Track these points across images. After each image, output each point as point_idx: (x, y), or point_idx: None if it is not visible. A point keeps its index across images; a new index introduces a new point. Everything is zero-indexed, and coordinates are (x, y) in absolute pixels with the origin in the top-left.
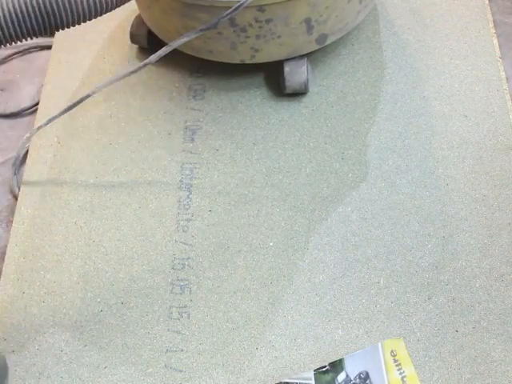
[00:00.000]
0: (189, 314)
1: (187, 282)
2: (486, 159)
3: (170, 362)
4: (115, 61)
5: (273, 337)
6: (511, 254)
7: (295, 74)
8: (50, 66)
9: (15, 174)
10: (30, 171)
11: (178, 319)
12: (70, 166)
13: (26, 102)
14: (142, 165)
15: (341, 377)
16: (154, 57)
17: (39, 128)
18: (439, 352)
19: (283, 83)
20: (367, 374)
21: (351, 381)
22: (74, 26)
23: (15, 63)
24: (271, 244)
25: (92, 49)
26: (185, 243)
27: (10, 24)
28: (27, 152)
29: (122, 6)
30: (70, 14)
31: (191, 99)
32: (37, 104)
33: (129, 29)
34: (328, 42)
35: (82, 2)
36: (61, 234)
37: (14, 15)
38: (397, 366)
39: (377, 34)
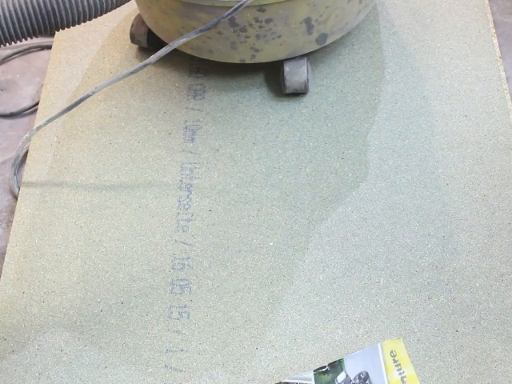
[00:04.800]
0: (189, 314)
1: (187, 282)
2: (486, 159)
3: (170, 362)
4: (115, 61)
5: (273, 337)
6: (511, 254)
7: (295, 74)
8: (49, 66)
9: (15, 174)
10: (29, 171)
11: (178, 319)
12: (70, 166)
13: (26, 102)
14: (142, 165)
15: (340, 377)
16: (153, 57)
17: (39, 128)
18: (439, 352)
19: (283, 83)
20: (367, 374)
21: (351, 381)
22: (74, 25)
23: (15, 63)
24: (271, 244)
25: (92, 49)
26: (185, 243)
27: (10, 23)
28: (27, 152)
29: (122, 6)
30: (70, 13)
31: (191, 99)
32: (37, 104)
33: (129, 29)
34: (328, 41)
35: (82, 2)
36: (61, 234)
37: (14, 15)
38: (396, 366)
39: (377, 34)
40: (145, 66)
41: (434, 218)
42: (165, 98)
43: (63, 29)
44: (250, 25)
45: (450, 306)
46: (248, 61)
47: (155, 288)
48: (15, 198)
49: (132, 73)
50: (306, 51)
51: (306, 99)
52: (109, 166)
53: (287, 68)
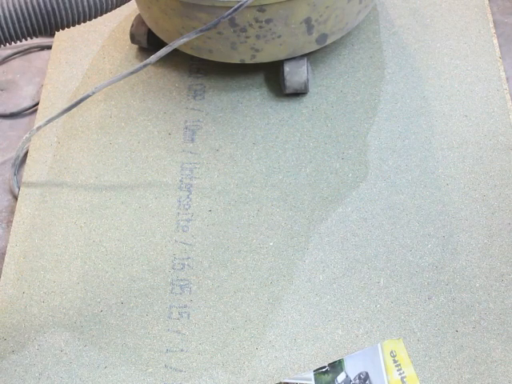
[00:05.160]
0: (189, 314)
1: (187, 282)
2: (486, 159)
3: (170, 362)
4: (115, 61)
5: (273, 337)
6: (511, 254)
7: (295, 74)
8: (49, 66)
9: (15, 174)
10: (29, 171)
11: (178, 319)
12: (70, 166)
13: (26, 102)
14: (142, 165)
15: (340, 377)
16: (153, 57)
17: (39, 128)
18: (439, 352)
19: (283, 83)
20: (367, 374)
21: (351, 381)
22: (74, 25)
23: (15, 63)
24: (271, 244)
25: (92, 49)
26: (185, 243)
27: (10, 23)
28: (27, 152)
29: (122, 6)
30: (70, 13)
31: (191, 99)
32: (37, 104)
33: (129, 29)
34: (328, 42)
35: (82, 2)
36: (61, 234)
37: (14, 15)
38: (396, 366)
39: (377, 34)
40: (145, 66)
41: (434, 218)
42: (165, 98)
43: (63, 29)
44: (250, 25)
45: (450, 305)
46: (248, 61)
47: (155, 288)
48: (15, 198)
49: (132, 73)
50: (306, 51)
51: (306, 99)
52: (109, 166)
53: (287, 68)
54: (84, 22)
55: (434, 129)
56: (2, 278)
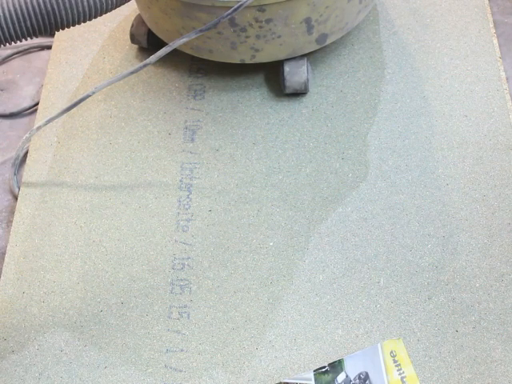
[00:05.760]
0: (189, 314)
1: (187, 282)
2: (486, 159)
3: (170, 362)
4: (115, 61)
5: (273, 337)
6: (511, 254)
7: (295, 74)
8: (49, 66)
9: (15, 174)
10: (29, 171)
11: (178, 319)
12: (70, 166)
13: (26, 102)
14: (142, 165)
15: (340, 377)
16: (153, 57)
17: (39, 128)
18: (439, 352)
19: (283, 83)
20: (367, 374)
21: (351, 381)
22: (74, 25)
23: (15, 63)
24: (271, 244)
25: (92, 49)
26: (185, 243)
27: (10, 23)
28: (27, 152)
29: (122, 6)
30: (70, 13)
31: (191, 99)
32: (37, 104)
33: (129, 29)
34: (328, 41)
35: (82, 2)
36: (61, 234)
37: (14, 15)
38: (396, 366)
39: (377, 34)
40: (145, 66)
41: (434, 217)
42: (165, 98)
43: (63, 29)
44: (250, 25)
45: (450, 305)
46: (248, 61)
47: (155, 288)
48: (15, 197)
49: (132, 73)
50: (306, 51)
51: (306, 99)
52: (109, 166)
53: (287, 68)
54: (84, 21)
55: (434, 129)
56: (2, 277)
